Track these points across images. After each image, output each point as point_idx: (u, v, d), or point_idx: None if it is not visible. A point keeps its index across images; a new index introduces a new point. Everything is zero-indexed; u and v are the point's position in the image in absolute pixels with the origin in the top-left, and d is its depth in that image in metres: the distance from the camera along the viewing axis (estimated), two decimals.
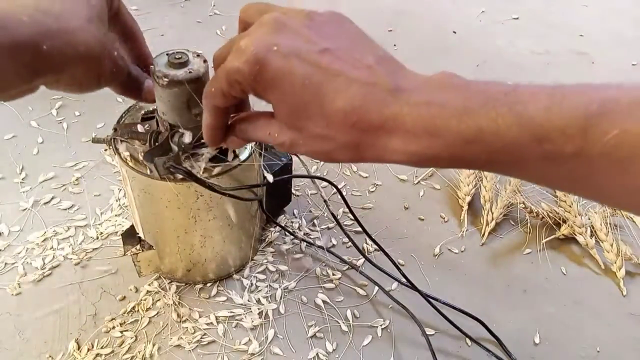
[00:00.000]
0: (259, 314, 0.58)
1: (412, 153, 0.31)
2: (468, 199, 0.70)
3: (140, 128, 0.51)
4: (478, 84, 0.31)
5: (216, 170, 0.49)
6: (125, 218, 0.67)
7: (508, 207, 0.70)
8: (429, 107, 0.30)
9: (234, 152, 0.51)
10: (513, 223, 0.70)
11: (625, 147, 0.26)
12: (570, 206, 0.67)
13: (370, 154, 0.33)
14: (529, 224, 0.69)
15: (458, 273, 0.64)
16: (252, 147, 0.52)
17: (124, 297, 0.59)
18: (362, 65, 0.32)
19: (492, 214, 0.68)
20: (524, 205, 0.68)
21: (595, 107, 0.27)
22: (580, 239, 0.66)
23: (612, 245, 0.65)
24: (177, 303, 0.59)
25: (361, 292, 0.61)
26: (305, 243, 0.65)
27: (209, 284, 0.61)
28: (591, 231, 0.67)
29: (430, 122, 0.30)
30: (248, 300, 0.59)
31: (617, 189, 0.28)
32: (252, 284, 0.61)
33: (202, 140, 0.46)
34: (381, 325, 0.58)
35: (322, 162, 0.76)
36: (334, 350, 0.56)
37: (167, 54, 0.46)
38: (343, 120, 0.31)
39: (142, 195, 0.52)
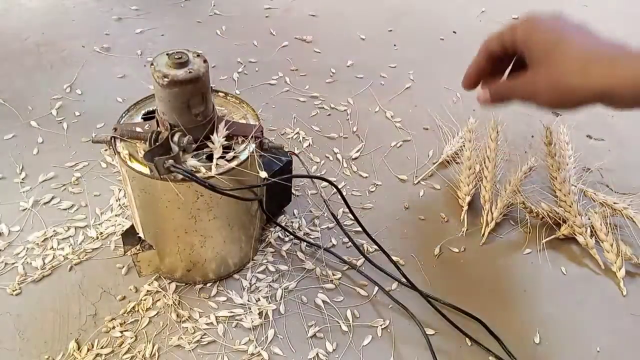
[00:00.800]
0: (259, 314, 0.58)
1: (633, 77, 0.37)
2: (468, 199, 0.70)
3: (140, 128, 0.51)
4: None
5: (216, 170, 0.49)
6: (125, 218, 0.67)
7: (508, 207, 0.70)
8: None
9: (234, 152, 0.51)
10: (513, 223, 0.70)
11: None
12: (570, 206, 0.67)
13: (597, 80, 0.39)
14: (529, 224, 0.69)
15: (458, 273, 0.64)
16: (252, 147, 0.52)
17: (124, 297, 0.59)
18: (599, 37, 0.42)
19: (492, 214, 0.68)
20: (524, 205, 0.68)
21: None
22: (580, 239, 0.66)
23: (612, 245, 0.65)
24: (177, 303, 0.59)
25: (361, 292, 0.61)
26: (305, 243, 0.65)
27: (209, 284, 0.61)
28: (591, 231, 0.67)
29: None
30: (248, 300, 0.59)
31: None
32: (252, 284, 0.61)
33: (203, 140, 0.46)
34: (381, 325, 0.58)
35: (322, 162, 0.76)
36: (334, 350, 0.56)
37: (167, 54, 0.46)
38: (578, 55, 0.40)
39: (142, 195, 0.52)
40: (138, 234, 0.58)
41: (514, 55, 0.46)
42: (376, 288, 0.61)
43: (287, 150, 0.60)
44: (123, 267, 0.62)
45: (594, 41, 0.41)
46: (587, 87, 0.39)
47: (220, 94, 0.58)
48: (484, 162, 0.72)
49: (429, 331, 0.58)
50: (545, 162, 0.74)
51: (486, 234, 0.67)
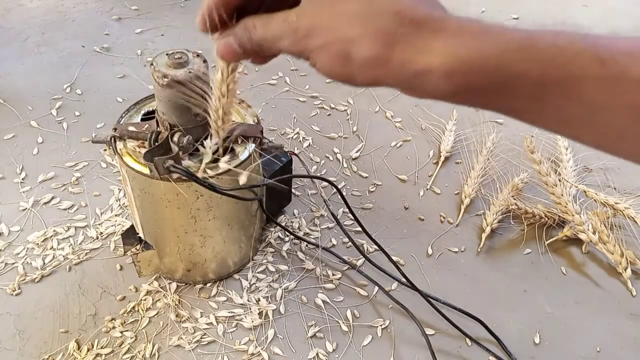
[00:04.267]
0: (259, 314, 0.58)
1: (454, 55, 0.27)
2: (468, 199, 0.70)
3: (139, 128, 0.51)
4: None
5: (216, 170, 0.49)
6: (125, 218, 0.67)
7: (508, 207, 0.69)
8: (478, 20, 0.28)
9: (234, 152, 0.51)
10: (513, 223, 0.70)
11: None
12: (565, 206, 0.67)
13: (401, 51, 0.27)
14: (528, 223, 0.69)
15: (458, 273, 0.64)
16: (251, 147, 0.52)
17: (124, 297, 0.59)
18: None
19: (492, 214, 0.68)
20: (516, 207, 0.68)
21: None
22: (582, 236, 0.65)
23: (614, 247, 0.65)
24: (177, 303, 0.59)
25: (361, 292, 0.61)
26: (305, 243, 0.65)
27: (209, 284, 0.61)
28: (593, 230, 0.67)
29: (482, 26, 0.27)
30: (248, 300, 0.59)
31: None
32: (252, 284, 0.61)
33: (203, 140, 0.46)
34: (381, 325, 0.58)
35: (322, 162, 0.76)
36: (334, 350, 0.56)
37: (167, 54, 0.46)
38: (389, 3, 0.27)
39: (142, 195, 0.52)
40: (138, 234, 0.58)
41: None
42: (376, 288, 0.61)
43: (287, 150, 0.60)
44: (123, 267, 0.62)
45: None
46: (406, 63, 0.27)
47: None
48: (484, 163, 0.72)
49: (429, 331, 0.58)
50: (533, 168, 0.73)
51: (486, 233, 0.67)
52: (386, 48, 0.27)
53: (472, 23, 0.27)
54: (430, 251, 0.66)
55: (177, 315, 0.58)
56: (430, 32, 0.27)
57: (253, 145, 0.52)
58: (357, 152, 0.78)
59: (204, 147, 0.48)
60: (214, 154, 0.47)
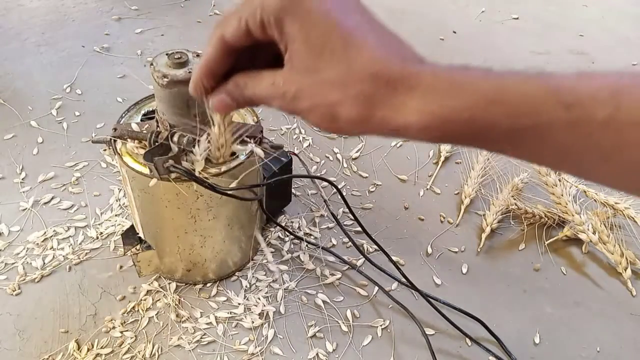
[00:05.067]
0: (259, 314, 0.58)
1: (429, 112, 0.29)
2: (468, 199, 0.70)
3: (139, 128, 0.51)
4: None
5: (216, 170, 0.49)
6: (125, 218, 0.67)
7: (508, 207, 0.69)
8: (452, 70, 0.29)
9: (234, 152, 0.51)
10: (513, 223, 0.70)
11: None
12: (565, 206, 0.67)
13: (381, 111, 0.30)
14: (528, 223, 0.69)
15: (458, 273, 0.64)
16: (252, 147, 0.52)
17: (124, 297, 0.59)
18: (392, 36, 0.32)
19: (492, 214, 0.68)
20: (516, 207, 0.68)
21: (628, 79, 0.26)
22: (582, 236, 0.65)
23: (614, 247, 0.65)
24: (177, 303, 0.59)
25: (361, 292, 0.61)
26: (305, 243, 0.65)
27: (209, 284, 0.61)
28: (593, 230, 0.67)
29: (453, 81, 0.29)
30: (248, 300, 0.59)
31: None
32: (252, 284, 0.61)
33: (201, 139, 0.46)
34: (381, 325, 0.58)
35: (322, 162, 0.76)
36: (334, 350, 0.56)
37: (167, 54, 0.46)
38: (364, 68, 0.30)
39: (142, 195, 0.52)
40: (138, 234, 0.58)
41: (269, 42, 0.32)
42: (376, 288, 0.61)
43: (287, 150, 0.60)
44: (123, 267, 0.62)
45: (388, 47, 0.30)
46: (386, 121, 0.30)
47: None
48: (484, 163, 0.72)
49: (429, 331, 0.58)
50: (533, 168, 0.73)
51: (486, 233, 0.67)
52: (367, 109, 0.30)
53: (445, 74, 0.29)
54: (430, 251, 0.66)
55: (177, 315, 0.58)
56: (406, 90, 0.29)
57: (253, 145, 0.52)
58: (357, 152, 0.78)
59: (193, 154, 0.48)
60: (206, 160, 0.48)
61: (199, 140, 0.47)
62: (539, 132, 0.27)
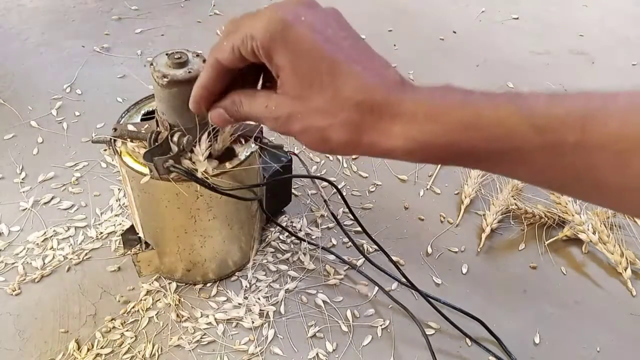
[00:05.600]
0: (259, 314, 0.58)
1: (411, 138, 0.31)
2: (468, 199, 0.70)
3: (139, 128, 0.51)
4: (479, 90, 0.32)
5: (216, 170, 0.49)
6: (125, 218, 0.67)
7: (508, 207, 0.69)
8: (432, 96, 0.31)
9: (234, 152, 0.51)
10: (513, 223, 0.70)
11: (625, 139, 0.26)
12: (565, 206, 0.67)
13: (368, 136, 0.32)
14: (528, 223, 0.69)
15: (458, 273, 0.64)
16: (252, 147, 0.52)
17: (124, 297, 0.59)
18: (376, 61, 0.34)
19: (492, 214, 0.68)
20: (516, 207, 0.68)
21: (596, 102, 0.27)
22: (582, 236, 0.65)
23: (614, 247, 0.65)
24: (177, 303, 0.59)
25: (361, 292, 0.61)
26: (305, 243, 0.65)
27: (209, 284, 0.61)
28: (593, 230, 0.67)
29: (432, 108, 0.31)
30: (248, 300, 0.59)
31: (616, 185, 0.27)
32: (252, 284, 0.61)
33: (201, 138, 0.46)
34: (381, 325, 0.58)
35: (322, 162, 0.76)
36: (334, 350, 0.56)
37: (167, 54, 0.46)
38: (350, 97, 0.32)
39: (142, 195, 0.52)
40: (138, 234, 0.58)
41: (260, 64, 0.35)
42: (376, 288, 0.61)
43: (287, 150, 0.60)
44: (123, 267, 0.62)
45: (373, 75, 0.32)
46: (374, 145, 0.32)
47: None
48: None
49: (429, 331, 0.58)
50: None
51: (486, 233, 0.67)
52: (355, 135, 0.33)
53: (425, 100, 0.31)
54: (430, 251, 0.66)
55: (177, 315, 0.58)
56: (389, 117, 0.32)
57: (253, 145, 0.52)
58: None
59: (195, 154, 0.48)
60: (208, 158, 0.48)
61: (199, 140, 0.47)
62: (514, 155, 0.29)
